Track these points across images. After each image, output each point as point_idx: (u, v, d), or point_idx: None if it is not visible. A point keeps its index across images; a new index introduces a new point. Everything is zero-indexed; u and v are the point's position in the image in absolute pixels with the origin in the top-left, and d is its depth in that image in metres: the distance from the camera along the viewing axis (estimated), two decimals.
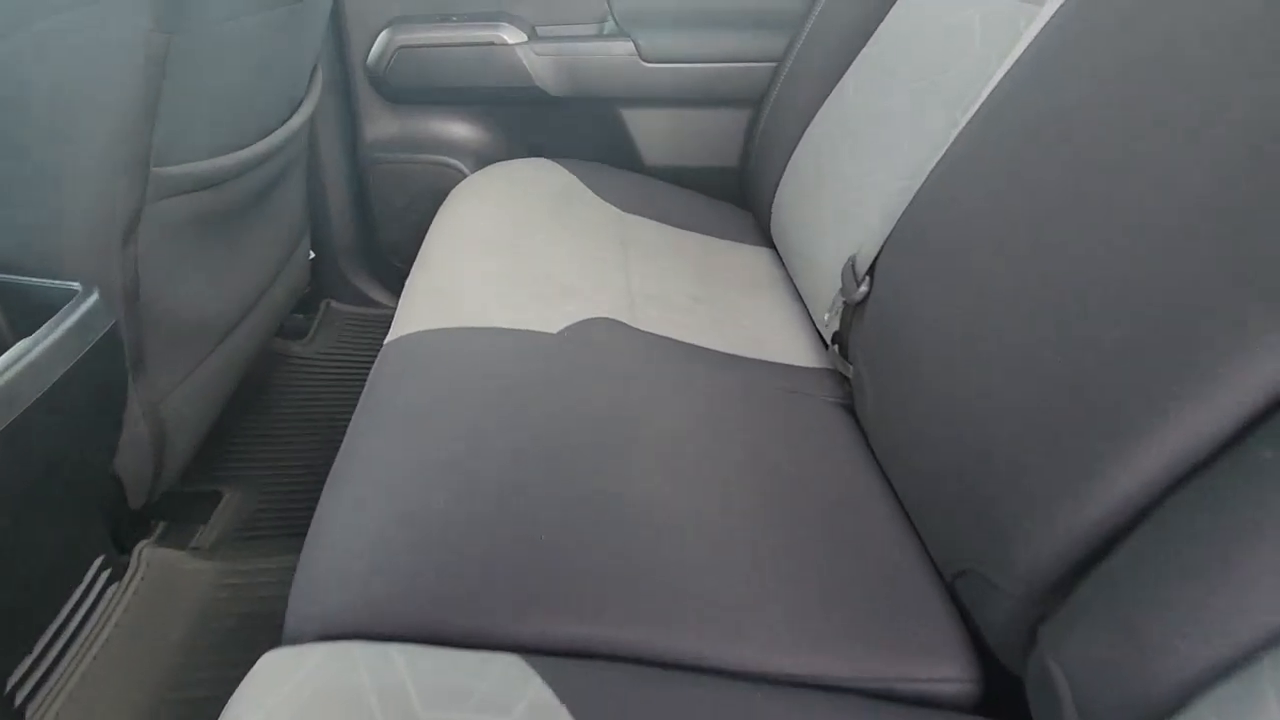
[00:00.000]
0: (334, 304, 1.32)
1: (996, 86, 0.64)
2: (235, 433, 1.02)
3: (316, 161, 1.18)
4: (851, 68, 0.94)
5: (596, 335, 0.73)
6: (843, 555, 0.57)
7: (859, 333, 0.74)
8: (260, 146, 0.81)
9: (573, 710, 0.40)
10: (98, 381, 0.58)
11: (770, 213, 1.06)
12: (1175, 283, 0.41)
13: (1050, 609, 0.45)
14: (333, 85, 1.15)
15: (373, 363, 0.71)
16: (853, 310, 0.76)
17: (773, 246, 1.09)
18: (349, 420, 0.61)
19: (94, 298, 0.55)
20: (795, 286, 0.99)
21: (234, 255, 0.86)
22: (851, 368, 0.76)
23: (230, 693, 0.39)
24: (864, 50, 0.93)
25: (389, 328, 0.75)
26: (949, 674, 0.51)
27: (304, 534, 0.54)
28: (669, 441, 0.63)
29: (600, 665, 0.43)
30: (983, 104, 0.65)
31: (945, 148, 0.68)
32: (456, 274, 0.82)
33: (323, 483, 0.57)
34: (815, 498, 0.62)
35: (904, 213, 0.69)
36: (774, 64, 1.13)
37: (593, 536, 0.50)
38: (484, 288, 0.78)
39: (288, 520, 0.91)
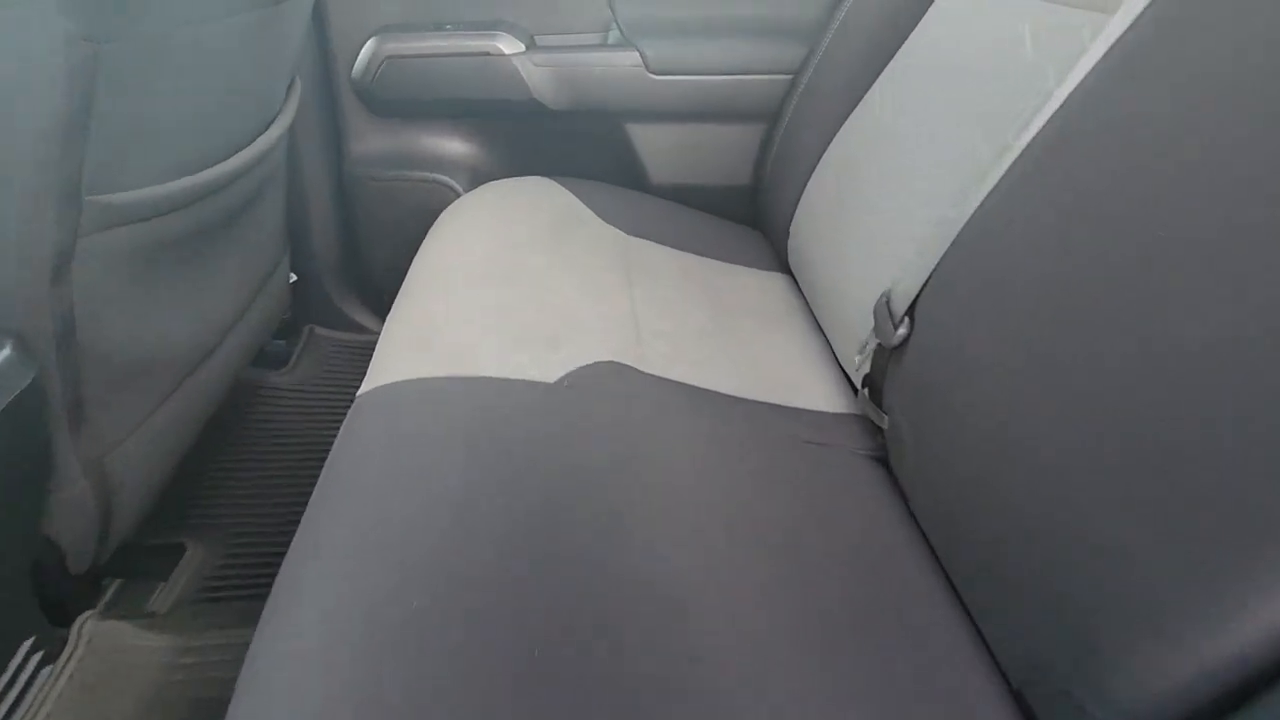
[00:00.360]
0: (318, 330, 1.24)
1: (1061, 107, 0.56)
2: (203, 475, 0.94)
3: (298, 179, 1.10)
4: (878, 81, 0.86)
5: (599, 383, 0.65)
6: (888, 643, 0.48)
7: (896, 379, 0.66)
8: (226, 167, 0.73)
9: None
10: (17, 444, 0.50)
11: (787, 237, 0.98)
12: None
13: None
14: (316, 98, 1.07)
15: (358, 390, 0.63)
16: (888, 354, 0.68)
17: (789, 272, 1.01)
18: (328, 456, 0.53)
19: (6, 351, 0.47)
20: (815, 317, 0.91)
21: (198, 285, 0.78)
22: (886, 417, 0.68)
23: None
24: (893, 62, 0.85)
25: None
26: None
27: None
28: (682, 510, 0.54)
29: None
30: (1045, 127, 0.57)
31: (997, 174, 0.60)
32: (443, 309, 0.74)
33: (294, 530, 0.49)
34: (857, 572, 0.54)
35: (950, 247, 0.61)
36: (790, 76, 1.05)
37: (591, 650, 0.42)
38: (473, 326, 0.70)
39: (256, 578, 0.82)
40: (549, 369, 0.65)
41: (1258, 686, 0.32)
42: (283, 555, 0.84)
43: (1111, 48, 0.53)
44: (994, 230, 0.57)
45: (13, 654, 0.59)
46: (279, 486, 0.96)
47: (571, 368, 0.65)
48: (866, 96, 0.87)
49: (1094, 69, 0.54)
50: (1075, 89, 0.54)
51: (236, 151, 0.75)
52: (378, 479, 0.51)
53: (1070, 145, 0.53)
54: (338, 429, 0.62)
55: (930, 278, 0.62)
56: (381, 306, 1.25)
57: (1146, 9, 0.51)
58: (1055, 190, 0.53)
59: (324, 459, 0.59)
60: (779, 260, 1.03)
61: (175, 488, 0.90)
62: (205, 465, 0.95)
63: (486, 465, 0.52)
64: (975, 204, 0.60)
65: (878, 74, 0.86)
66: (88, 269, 0.56)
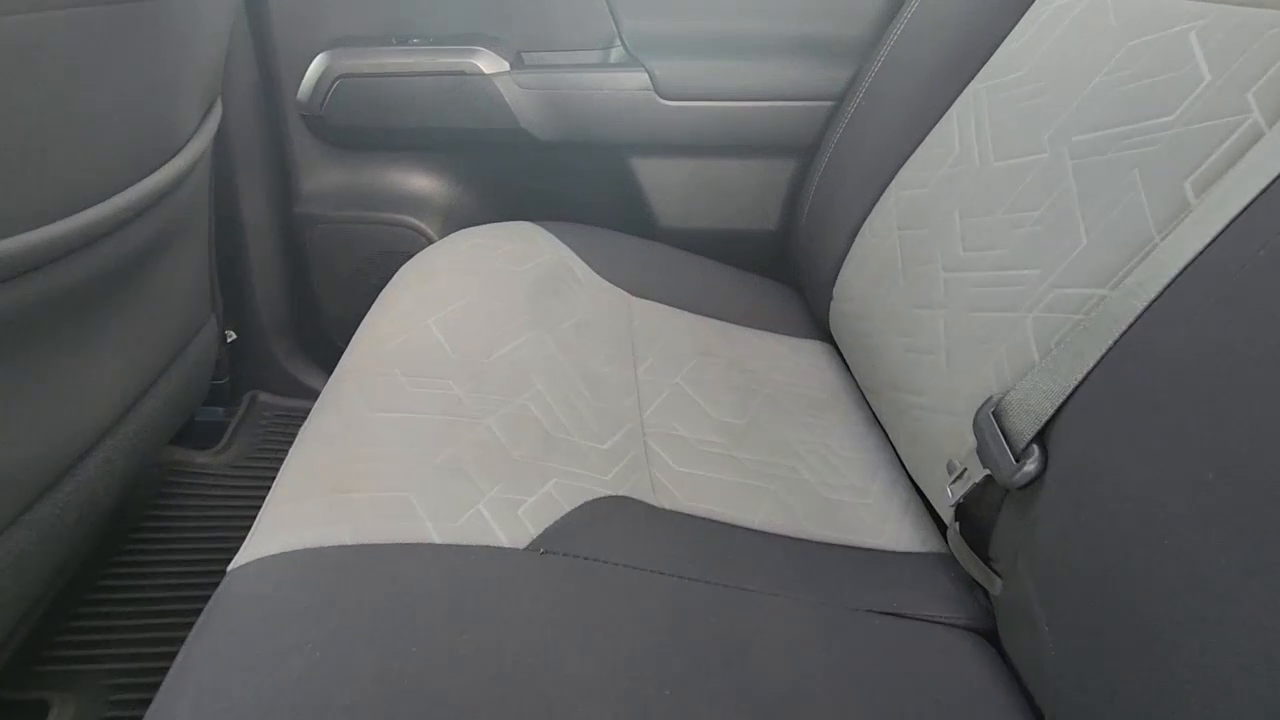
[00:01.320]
0: (260, 396, 1.05)
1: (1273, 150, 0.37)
2: (82, 603, 0.74)
3: (235, 222, 0.91)
4: (955, 106, 0.68)
5: (595, 537, 0.45)
6: None
7: (1017, 526, 0.46)
8: (94, 213, 0.54)
9: None
10: None
11: (830, 299, 0.79)
12: None
13: None
14: (258, 126, 0.89)
15: None
16: (1000, 488, 0.48)
17: (829, 339, 0.82)
18: None
19: None
20: (866, 400, 0.72)
21: (64, 371, 0.58)
22: (999, 581, 0.48)
23: None
24: (975, 82, 0.67)
25: None
26: None
27: None
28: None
29: None
30: (1246, 177, 0.38)
31: (1175, 240, 0.41)
32: (384, 411, 0.54)
33: None
34: None
35: (1112, 349, 0.41)
36: (832, 103, 0.87)
37: None
38: (423, 447, 0.50)
39: None
40: (523, 524, 0.45)
41: None
42: None
43: None
44: (1180, 328, 0.38)
45: None
46: (190, 607, 0.76)
47: (556, 516, 0.45)
48: (939, 126, 0.69)
49: None
50: None
51: (112, 193, 0.56)
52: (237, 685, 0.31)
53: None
54: None
55: (1077, 390, 0.43)
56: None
57: None
58: (1265, 263, 0.33)
59: None
60: (817, 324, 0.84)
61: (44, 624, 0.70)
62: (87, 587, 0.75)
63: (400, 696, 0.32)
64: (1134, 285, 0.41)
65: (955, 97, 0.68)
66: None
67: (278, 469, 0.68)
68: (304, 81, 0.85)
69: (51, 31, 0.45)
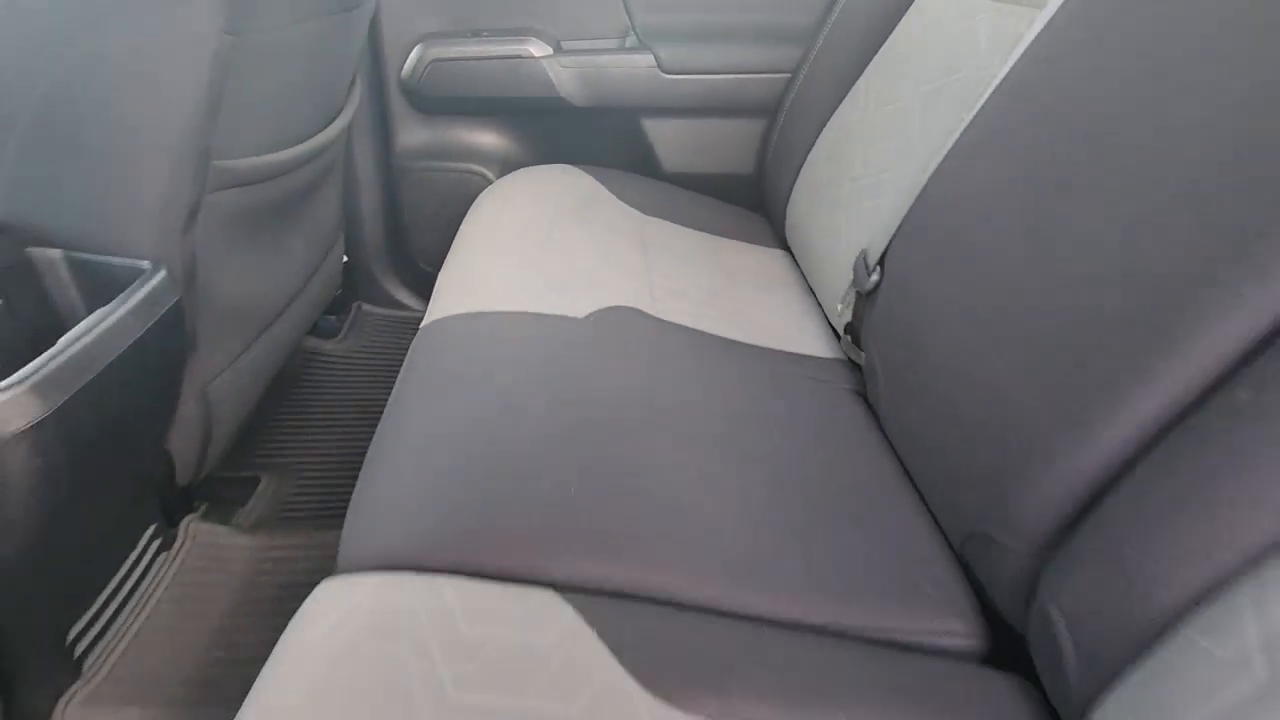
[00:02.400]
0: (365, 306, 1.38)
1: (999, 85, 0.68)
2: (272, 422, 1.07)
3: (351, 169, 1.24)
4: (863, 75, 0.98)
5: (619, 321, 0.77)
6: (855, 521, 0.60)
7: (870, 321, 0.77)
8: (304, 148, 0.86)
9: (602, 637, 0.43)
10: (160, 354, 0.63)
11: (785, 216, 1.10)
12: (1160, 253, 0.45)
13: (1049, 559, 0.48)
14: (368, 96, 1.21)
15: (402, 361, 0.75)
16: (864, 300, 0.80)
17: (787, 249, 1.13)
18: (379, 413, 0.65)
19: (161, 274, 0.60)
20: (809, 286, 1.03)
21: (277, 251, 0.91)
22: (864, 355, 0.79)
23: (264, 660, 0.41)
24: (875, 59, 0.98)
25: (417, 329, 0.80)
26: (953, 629, 0.53)
27: (339, 517, 0.57)
28: (687, 417, 0.66)
29: (627, 602, 0.46)
30: (986, 101, 0.69)
31: (952, 143, 0.72)
32: (486, 267, 0.87)
33: (355, 470, 0.60)
34: (829, 470, 0.65)
35: (913, 205, 0.73)
36: (788, 74, 1.17)
37: (617, 492, 0.54)
38: (513, 279, 0.83)
39: (322, 505, 0.95)
40: (577, 309, 0.77)
41: (1103, 493, 0.44)
42: (342, 488, 0.97)
43: (1039, 35, 0.65)
44: (946, 190, 0.69)
45: (140, 536, 0.72)
46: (337, 434, 1.09)
47: (595, 309, 0.78)
48: (853, 89, 1.00)
49: (1024, 53, 0.66)
50: (1010, 70, 0.67)
51: (312, 136, 0.89)
52: (444, 376, 0.63)
53: (1005, 115, 0.65)
54: (385, 389, 0.73)
55: (897, 231, 0.74)
56: (421, 286, 1.39)
57: (1064, 4, 0.63)
58: (991, 153, 0.65)
59: (373, 413, 0.69)
60: (778, 239, 1.15)
61: (248, 434, 1.03)
62: (273, 415, 1.08)
63: (529, 369, 0.64)
64: (934, 168, 0.73)
65: (863, 69, 0.99)
66: (207, 223, 0.69)
67: (378, 357, 1.04)
68: (406, 65, 1.17)
69: (295, 37, 0.77)
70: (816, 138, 1.04)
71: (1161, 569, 0.39)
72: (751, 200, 1.25)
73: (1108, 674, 0.41)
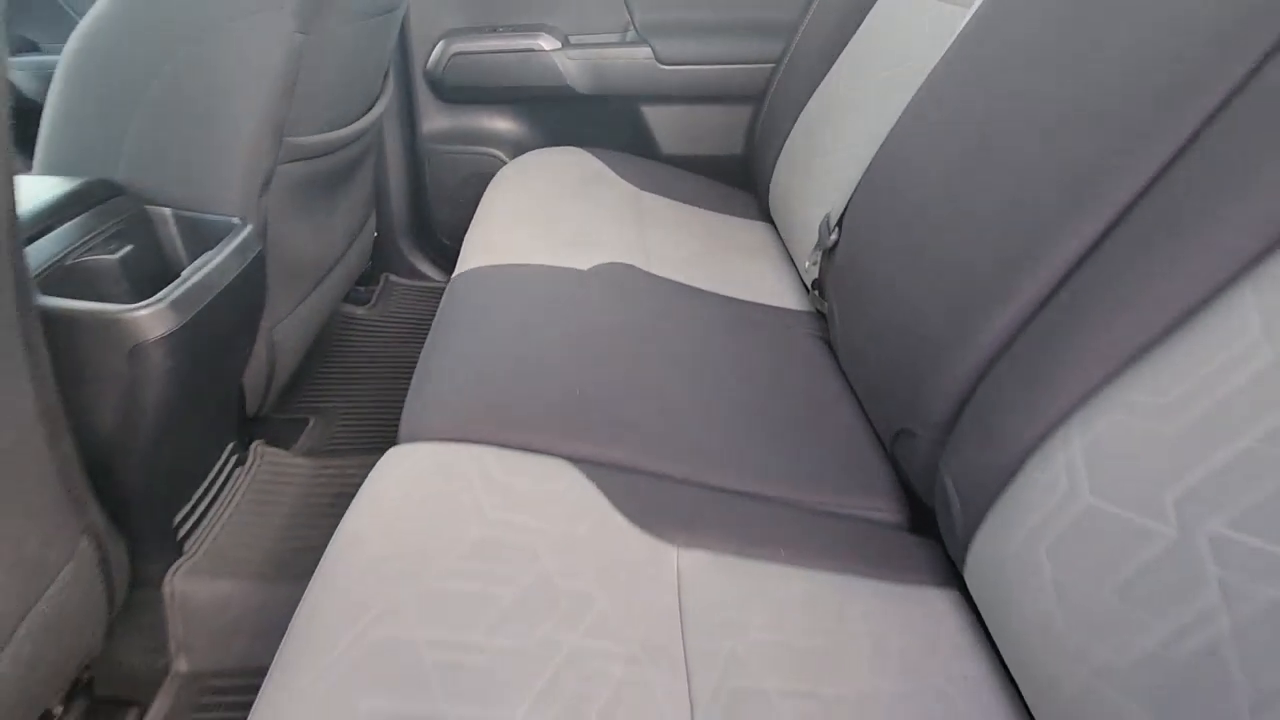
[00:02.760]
0: (392, 277, 1.52)
1: (935, 68, 0.82)
2: (316, 375, 1.22)
3: (380, 152, 1.38)
4: (835, 64, 1.12)
5: (616, 272, 0.92)
6: (805, 424, 0.74)
7: (831, 274, 0.91)
8: (352, 129, 1.01)
9: (601, 490, 0.57)
10: (248, 294, 0.77)
11: (769, 191, 1.24)
12: (1030, 192, 0.58)
13: (947, 441, 0.62)
14: (396, 86, 1.35)
15: (428, 327, 0.89)
16: (828, 257, 0.94)
17: (771, 222, 1.27)
18: (407, 367, 0.79)
19: (249, 228, 0.74)
20: (789, 254, 1.16)
21: (328, 216, 1.06)
22: (827, 305, 0.93)
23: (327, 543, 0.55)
24: (845, 50, 1.11)
25: (440, 299, 0.94)
26: (879, 505, 0.68)
27: (379, 450, 0.71)
28: (669, 343, 0.81)
29: (620, 472, 0.61)
30: (925, 82, 0.82)
31: (895, 120, 0.85)
32: (505, 233, 1.01)
33: (389, 412, 0.74)
34: (787, 388, 0.80)
35: (865, 172, 0.86)
36: (772, 64, 1.31)
37: (614, 394, 0.68)
38: (527, 241, 0.97)
39: (363, 440, 1.10)
40: (582, 263, 0.92)
41: (981, 379, 0.58)
42: (379, 429, 1.12)
43: (965, 26, 0.79)
44: (892, 155, 0.83)
45: (223, 451, 0.87)
46: (371, 385, 1.24)
47: (596, 263, 0.92)
48: (825, 77, 1.13)
49: (956, 41, 0.79)
50: (945, 54, 0.80)
51: (358, 119, 1.03)
52: (477, 307, 0.78)
53: (931, 95, 0.79)
54: (412, 350, 0.86)
55: (852, 195, 0.88)
56: (442, 259, 1.53)
57: (981, 6, 0.77)
58: (922, 125, 0.78)
59: (403, 370, 0.82)
60: (763, 213, 1.29)
61: (297, 380, 1.18)
62: (317, 367, 1.23)
63: (545, 304, 0.79)
64: (881, 141, 0.86)
65: (835, 59, 1.12)
66: (277, 189, 0.84)
67: (406, 323, 1.19)
68: (430, 58, 1.32)
69: (348, 35, 0.92)
70: (796, 121, 1.18)
71: (1013, 426, 0.53)
72: (739, 178, 1.38)
73: (978, 517, 0.55)
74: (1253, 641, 0.36)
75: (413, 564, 0.49)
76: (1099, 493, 0.45)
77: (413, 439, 0.60)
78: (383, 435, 1.18)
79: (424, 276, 1.53)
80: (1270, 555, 0.36)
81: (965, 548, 0.56)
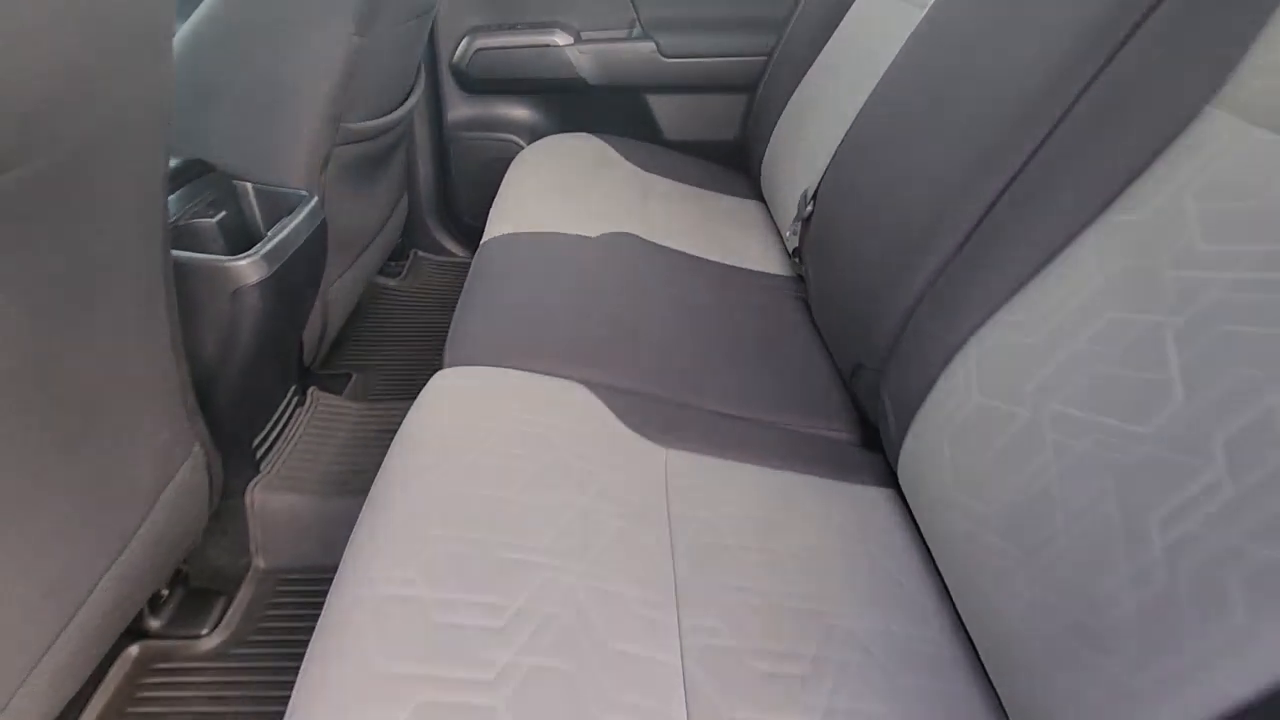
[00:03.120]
0: (420, 253, 1.68)
1: (895, 59, 0.96)
2: (356, 337, 1.38)
3: (411, 138, 1.53)
4: (818, 57, 1.26)
5: (621, 240, 1.06)
6: (776, 359, 0.89)
7: (807, 240, 1.05)
8: (393, 116, 1.16)
9: (608, 406, 0.72)
10: (314, 256, 0.92)
11: (760, 173, 1.38)
12: (942, 167, 0.72)
13: (890, 367, 0.76)
14: (426, 79, 1.50)
15: (455, 298, 1.03)
16: (806, 226, 1.08)
17: (763, 201, 1.41)
18: (435, 332, 0.94)
19: (315, 200, 0.89)
20: (777, 228, 1.30)
21: (370, 196, 1.21)
22: (804, 268, 1.07)
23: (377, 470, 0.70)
24: (827, 44, 1.25)
25: (465, 273, 1.08)
26: (836, 426, 0.82)
27: (415, 398, 0.87)
28: (669, 298, 0.95)
29: (623, 393, 0.76)
30: (886, 70, 0.96)
31: (861, 105, 0.99)
32: (524, 208, 1.15)
33: (422, 368, 0.88)
34: (762, 331, 0.94)
35: (836, 149, 1.00)
36: (765, 57, 1.44)
37: (617, 332, 0.83)
38: (543, 214, 1.12)
39: (401, 392, 1.25)
40: (591, 232, 1.06)
41: (912, 317, 0.72)
42: (414, 379, 1.26)
43: (916, 27, 0.92)
44: (859, 133, 0.97)
45: (289, 390, 1.02)
46: (404, 347, 1.39)
47: (603, 233, 1.07)
48: (810, 69, 1.27)
49: (906, 42, 0.93)
50: (903, 46, 0.94)
51: (396, 108, 1.18)
52: (506, 262, 0.93)
53: (888, 82, 0.92)
54: (440, 317, 1.01)
55: (825, 171, 1.02)
56: (465, 236, 1.68)
57: (932, 7, 0.90)
58: (880, 108, 0.92)
59: (433, 336, 0.96)
60: (756, 193, 1.43)
61: (340, 342, 1.34)
62: (356, 331, 1.39)
63: (559, 264, 0.94)
64: (850, 123, 1.00)
65: (819, 53, 1.26)
66: (332, 168, 0.99)
67: (434, 293, 1.33)
68: (456, 52, 1.46)
69: (393, 35, 1.06)
70: (784, 108, 1.32)
71: (932, 351, 0.67)
72: (734, 161, 1.52)
73: (906, 424, 0.69)
74: (1069, 482, 0.50)
75: (459, 449, 0.64)
76: (984, 391, 0.60)
77: (455, 364, 0.75)
78: (417, 387, 1.33)
79: (449, 252, 1.68)
80: (1084, 420, 0.50)
81: (898, 451, 0.71)
